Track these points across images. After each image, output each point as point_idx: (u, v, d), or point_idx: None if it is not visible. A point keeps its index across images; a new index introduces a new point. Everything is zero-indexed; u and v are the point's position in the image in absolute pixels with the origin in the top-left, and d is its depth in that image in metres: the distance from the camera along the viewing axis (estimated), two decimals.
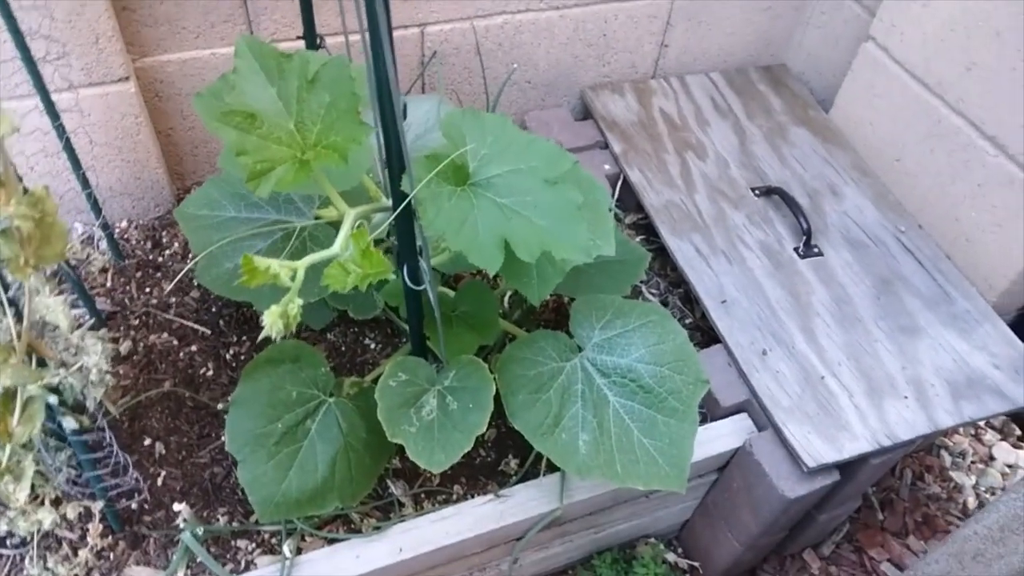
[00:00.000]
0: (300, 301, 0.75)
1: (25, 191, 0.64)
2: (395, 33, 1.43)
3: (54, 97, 1.14)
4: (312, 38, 1.23)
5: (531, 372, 0.98)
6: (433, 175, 0.82)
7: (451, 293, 1.13)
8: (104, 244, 1.36)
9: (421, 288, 0.89)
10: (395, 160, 0.75)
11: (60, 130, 1.12)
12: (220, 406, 1.20)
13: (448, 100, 1.43)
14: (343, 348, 1.31)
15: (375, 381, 1.05)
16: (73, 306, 1.29)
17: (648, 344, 1.03)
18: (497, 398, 0.95)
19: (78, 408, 0.89)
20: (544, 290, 0.95)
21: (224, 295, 1.04)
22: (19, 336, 0.72)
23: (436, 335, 0.96)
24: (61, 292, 1.29)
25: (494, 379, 0.94)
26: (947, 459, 1.66)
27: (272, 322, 0.71)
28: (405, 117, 0.98)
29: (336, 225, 1.12)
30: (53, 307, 0.71)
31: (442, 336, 0.95)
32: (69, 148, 1.15)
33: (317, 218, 1.08)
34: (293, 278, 0.76)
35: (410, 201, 0.79)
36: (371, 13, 0.59)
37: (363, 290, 0.74)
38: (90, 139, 1.28)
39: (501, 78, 1.59)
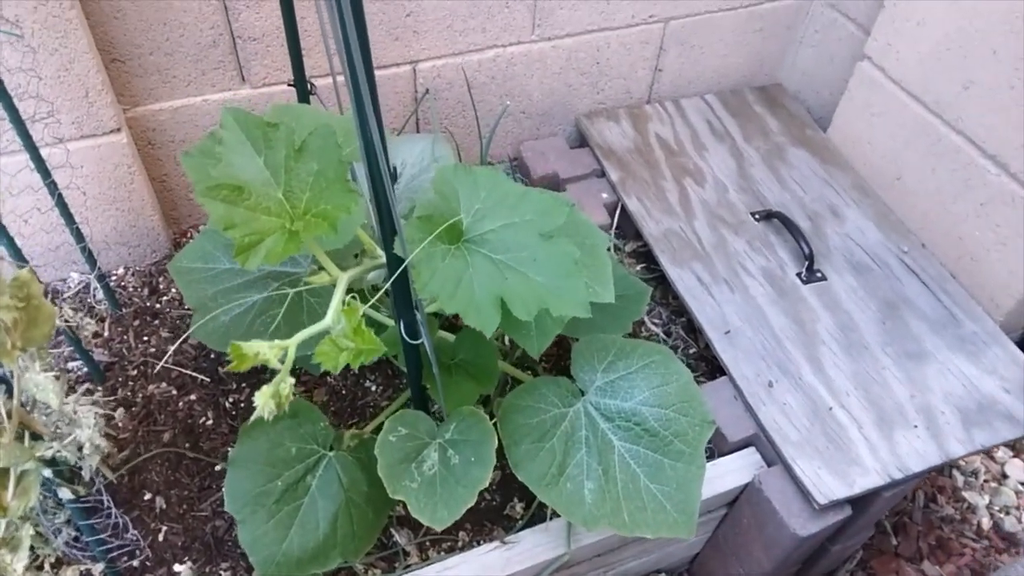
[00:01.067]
0: (292, 380, 0.74)
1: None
2: (387, 71, 1.43)
3: (45, 152, 1.13)
4: (302, 83, 1.22)
5: (533, 420, 0.97)
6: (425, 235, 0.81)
7: (450, 336, 1.12)
8: (100, 294, 1.35)
9: (418, 342, 0.87)
10: (386, 223, 0.73)
11: (52, 187, 1.11)
12: (219, 467, 1.18)
13: (442, 138, 1.42)
14: (343, 392, 1.30)
15: (376, 431, 1.04)
16: (70, 359, 1.28)
17: (652, 386, 1.01)
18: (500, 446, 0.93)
19: (74, 476, 0.88)
20: (543, 342, 0.94)
21: (220, 349, 1.02)
22: (9, 415, 0.71)
23: (436, 384, 0.95)
24: (58, 345, 1.28)
25: (496, 430, 0.92)
26: (959, 479, 1.63)
27: (264, 403, 0.70)
28: (395, 179, 0.97)
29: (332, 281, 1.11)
30: (43, 385, 0.70)
31: (441, 388, 0.93)
32: (62, 204, 1.14)
33: (306, 284, 1.07)
34: (283, 359, 0.74)
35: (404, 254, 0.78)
36: (355, 87, 0.58)
37: (355, 368, 0.72)
38: (83, 192, 1.27)
39: (496, 110, 1.58)
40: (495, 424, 0.96)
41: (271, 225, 0.79)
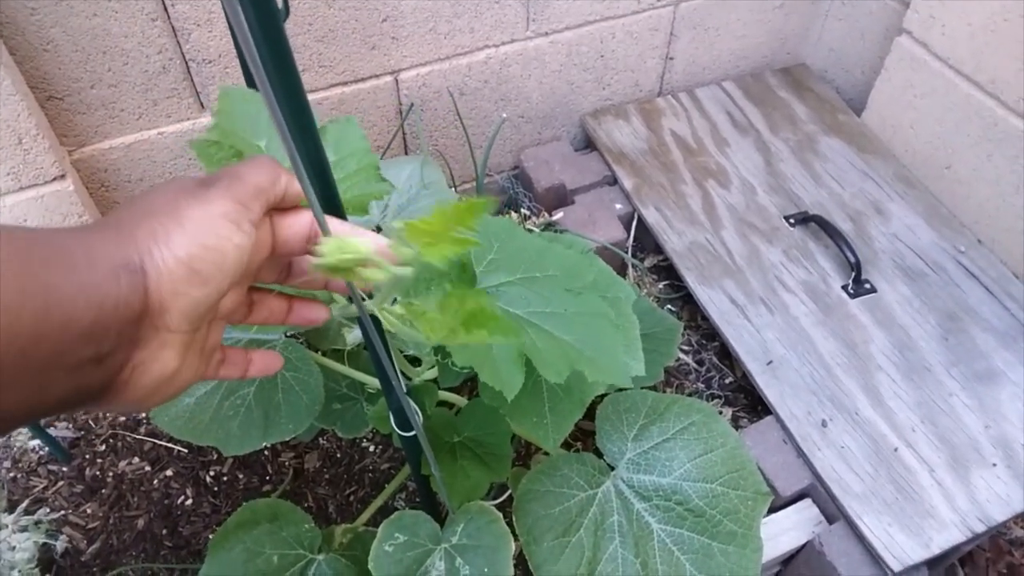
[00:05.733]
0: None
1: None
2: (365, 84, 1.26)
3: None
4: None
5: (556, 509, 0.82)
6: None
7: (457, 400, 0.96)
8: None
9: (411, 434, 0.72)
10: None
11: None
12: (203, 552, 1.04)
13: (432, 159, 1.26)
14: (338, 455, 1.15)
15: (373, 521, 0.89)
16: (31, 438, 1.14)
17: (694, 456, 0.86)
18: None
19: None
20: (561, 431, 0.78)
21: (185, 438, 0.87)
22: None
23: (436, 478, 0.80)
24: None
25: (512, 532, 0.77)
26: None
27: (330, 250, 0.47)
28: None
29: (309, 333, 0.96)
30: None
31: (444, 482, 0.78)
32: None
33: (287, 335, 0.91)
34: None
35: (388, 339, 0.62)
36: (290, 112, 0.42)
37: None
38: None
39: (491, 117, 1.41)
40: (511, 509, 0.82)
41: None
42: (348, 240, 0.43)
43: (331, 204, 0.49)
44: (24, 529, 0.72)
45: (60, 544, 1.01)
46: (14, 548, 0.67)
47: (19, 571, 0.65)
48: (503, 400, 0.66)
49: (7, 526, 0.71)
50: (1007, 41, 1.20)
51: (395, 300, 0.50)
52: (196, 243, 0.38)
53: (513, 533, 0.79)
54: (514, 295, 0.71)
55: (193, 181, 0.41)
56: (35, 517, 0.97)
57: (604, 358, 0.68)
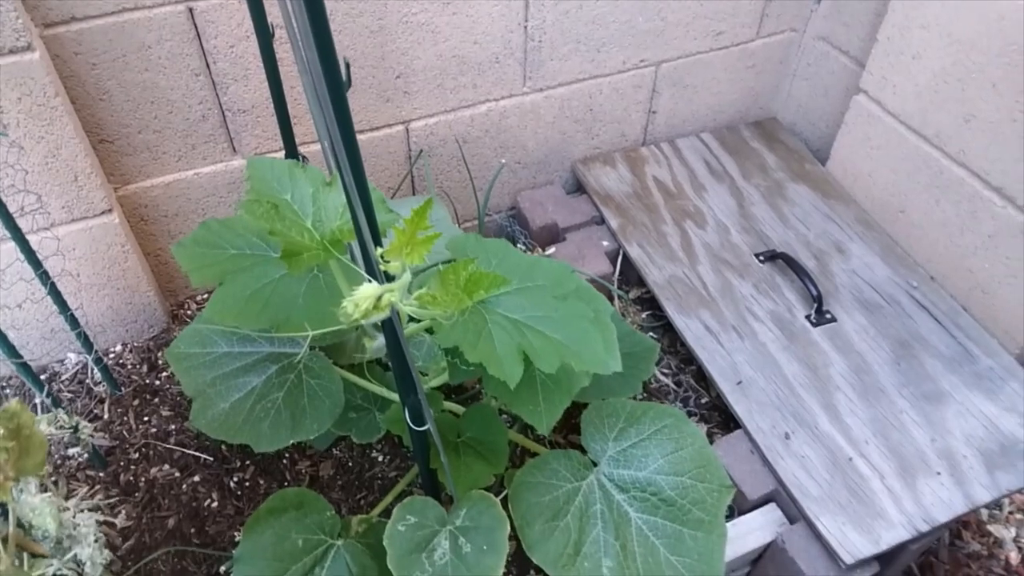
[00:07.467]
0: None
1: None
2: (379, 132, 1.42)
3: (35, 239, 1.12)
4: (293, 152, 1.20)
5: (546, 498, 0.94)
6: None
7: (458, 408, 1.09)
8: (99, 375, 1.32)
9: (424, 428, 0.85)
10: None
11: (44, 277, 1.10)
12: (223, 568, 1.15)
13: (438, 198, 1.40)
14: (350, 464, 1.27)
15: (384, 513, 1.01)
16: (70, 445, 1.25)
17: (666, 452, 0.98)
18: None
19: None
20: (552, 416, 0.91)
21: (221, 438, 1.00)
22: (5, 540, 0.68)
23: (444, 468, 0.92)
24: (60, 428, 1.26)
25: (508, 516, 0.89)
26: (984, 512, 1.59)
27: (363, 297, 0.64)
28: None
29: (329, 349, 1.09)
30: (39, 508, 0.67)
31: (450, 473, 0.91)
32: (55, 292, 1.12)
33: (312, 347, 1.04)
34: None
35: (402, 337, 0.76)
36: (345, 153, 0.56)
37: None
38: (77, 275, 1.25)
39: (491, 163, 1.57)
40: (506, 500, 0.94)
41: (305, 244, 0.84)
42: (358, 295, 0.59)
43: (372, 229, 0.62)
44: (82, 511, 0.84)
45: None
46: (77, 526, 0.79)
47: (87, 544, 0.76)
48: (506, 389, 0.79)
49: (69, 508, 0.82)
50: (948, 100, 1.36)
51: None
52: None
53: (509, 518, 0.91)
54: (512, 302, 0.85)
55: None
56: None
57: (587, 352, 0.82)
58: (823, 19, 1.64)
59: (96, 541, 0.76)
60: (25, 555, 0.74)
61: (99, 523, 0.82)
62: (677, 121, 1.73)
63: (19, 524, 0.73)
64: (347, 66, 1.27)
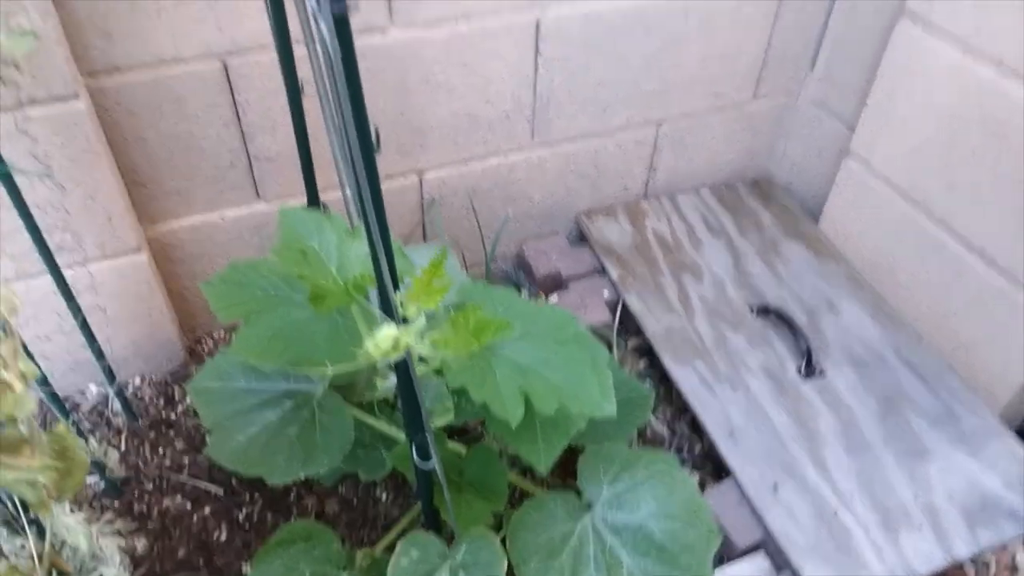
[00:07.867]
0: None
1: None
2: (395, 182, 1.49)
3: (69, 274, 1.19)
4: (315, 199, 1.28)
5: (542, 537, 0.99)
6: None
7: (460, 449, 1.14)
8: (118, 406, 1.38)
9: (430, 466, 0.90)
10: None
11: (76, 310, 1.16)
12: None
13: (449, 246, 1.47)
14: (354, 503, 1.32)
15: (387, 549, 1.06)
16: (88, 473, 1.30)
17: (658, 498, 1.03)
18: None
19: None
20: (550, 455, 0.97)
21: (238, 470, 1.05)
22: (40, 558, 0.74)
23: (446, 506, 0.97)
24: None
25: (506, 552, 0.94)
26: (971, 570, 1.63)
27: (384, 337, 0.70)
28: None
29: (341, 388, 1.15)
30: (73, 528, 0.73)
31: (452, 510, 0.96)
32: (85, 326, 1.19)
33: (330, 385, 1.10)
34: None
35: (415, 376, 0.82)
36: (368, 203, 0.63)
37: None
38: (104, 309, 1.32)
39: (499, 213, 1.64)
40: (504, 539, 0.99)
41: (331, 289, 0.91)
42: (379, 336, 0.66)
43: (393, 278, 0.69)
44: (105, 535, 0.89)
45: None
46: (102, 548, 0.84)
47: (112, 564, 0.81)
48: (508, 429, 0.85)
49: (93, 532, 0.87)
50: (933, 164, 1.43)
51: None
52: None
53: (507, 555, 0.96)
54: (515, 347, 0.93)
55: None
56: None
57: (583, 395, 0.89)
58: (817, 83, 1.73)
59: (120, 563, 0.82)
60: (54, 572, 0.79)
61: (120, 548, 0.88)
62: (677, 177, 1.81)
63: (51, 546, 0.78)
64: (377, 133, 1.36)
